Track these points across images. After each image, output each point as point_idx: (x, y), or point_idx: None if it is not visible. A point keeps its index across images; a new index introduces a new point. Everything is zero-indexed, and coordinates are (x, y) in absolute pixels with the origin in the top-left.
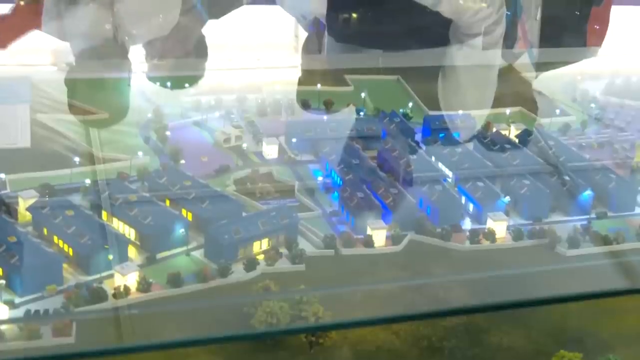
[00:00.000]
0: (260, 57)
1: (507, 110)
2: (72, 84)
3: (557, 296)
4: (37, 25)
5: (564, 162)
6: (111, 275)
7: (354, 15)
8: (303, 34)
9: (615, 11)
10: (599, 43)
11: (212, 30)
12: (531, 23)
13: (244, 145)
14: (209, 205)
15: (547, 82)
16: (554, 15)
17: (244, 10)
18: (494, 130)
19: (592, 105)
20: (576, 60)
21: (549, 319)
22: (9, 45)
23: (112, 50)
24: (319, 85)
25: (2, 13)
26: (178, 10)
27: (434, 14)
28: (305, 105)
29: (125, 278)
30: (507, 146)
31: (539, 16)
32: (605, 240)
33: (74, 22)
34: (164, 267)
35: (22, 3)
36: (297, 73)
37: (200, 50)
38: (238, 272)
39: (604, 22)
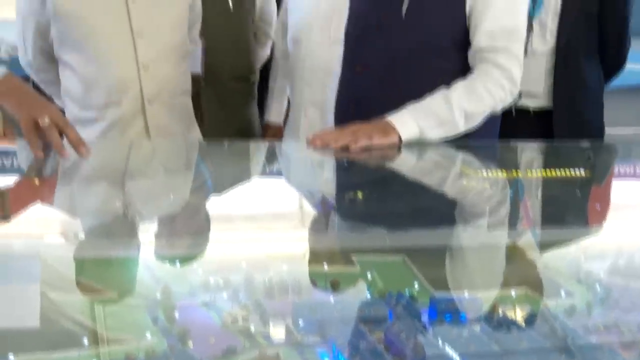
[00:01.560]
0: (265, 230)
1: (513, 291)
2: (80, 262)
3: None
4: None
5: (571, 345)
6: None
7: (360, 195)
8: (308, 207)
9: (617, 186)
10: (600, 221)
11: (218, 203)
12: (533, 202)
13: (251, 327)
14: None
15: (552, 262)
16: (555, 195)
17: (250, 183)
18: (500, 311)
19: (597, 285)
20: (579, 239)
21: None
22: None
23: (122, 227)
24: (325, 265)
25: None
26: (188, 189)
27: (439, 194)
28: (312, 285)
29: None
30: (514, 327)
31: (540, 195)
32: None
33: (86, 198)
34: None
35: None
36: (304, 251)
37: (210, 225)
38: None
39: (605, 200)
